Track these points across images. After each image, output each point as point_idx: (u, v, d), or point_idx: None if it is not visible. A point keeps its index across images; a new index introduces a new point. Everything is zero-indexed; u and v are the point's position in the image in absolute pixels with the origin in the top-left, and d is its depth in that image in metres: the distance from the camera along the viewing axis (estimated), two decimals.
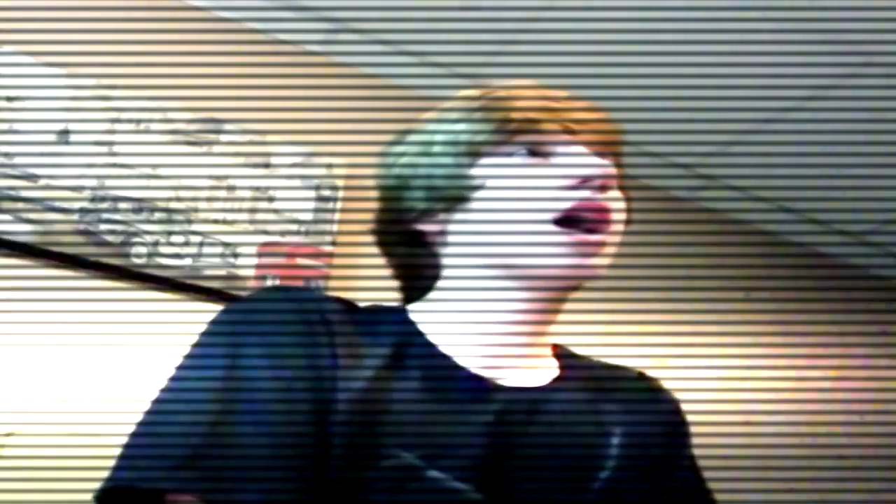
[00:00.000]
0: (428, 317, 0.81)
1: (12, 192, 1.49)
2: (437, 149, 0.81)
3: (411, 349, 0.77)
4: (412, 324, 0.80)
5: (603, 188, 0.77)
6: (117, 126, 1.62)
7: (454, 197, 0.79)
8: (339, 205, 1.76)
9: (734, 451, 2.10)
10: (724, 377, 2.17)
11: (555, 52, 1.86)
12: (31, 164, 1.52)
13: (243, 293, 1.63)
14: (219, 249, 1.64)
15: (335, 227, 1.74)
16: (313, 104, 1.79)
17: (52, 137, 1.56)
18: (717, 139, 2.11)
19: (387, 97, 1.95)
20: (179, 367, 0.72)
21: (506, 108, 0.80)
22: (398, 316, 0.82)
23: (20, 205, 1.49)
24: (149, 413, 0.70)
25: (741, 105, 1.97)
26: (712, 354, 2.18)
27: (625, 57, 1.85)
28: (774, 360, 2.31)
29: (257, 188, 1.72)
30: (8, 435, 1.31)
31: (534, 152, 0.78)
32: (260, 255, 1.67)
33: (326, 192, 1.77)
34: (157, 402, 0.70)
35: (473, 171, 0.79)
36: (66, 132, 1.57)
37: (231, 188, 1.69)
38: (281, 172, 1.75)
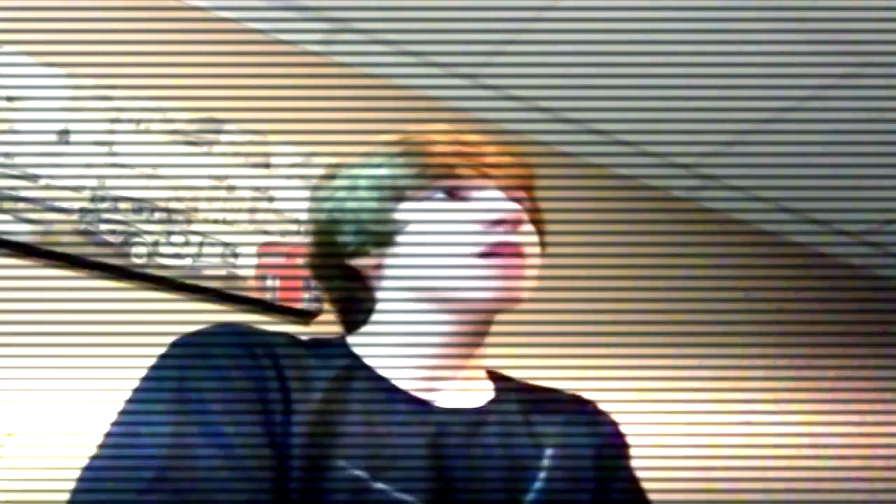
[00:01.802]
0: (367, 346, 0.87)
1: (12, 192, 1.49)
2: (361, 192, 0.88)
3: (355, 376, 0.82)
4: (353, 353, 0.86)
5: (515, 227, 0.84)
6: (117, 126, 1.62)
7: (382, 236, 0.86)
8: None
9: (733, 450, 2.10)
10: (723, 377, 2.17)
11: (555, 52, 1.86)
12: (31, 164, 1.52)
13: (243, 293, 1.63)
14: (219, 249, 1.64)
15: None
16: (313, 104, 1.79)
17: (52, 137, 1.56)
18: (717, 139, 2.11)
19: (387, 97, 1.95)
20: (131, 400, 0.74)
21: (424, 153, 0.87)
22: (340, 346, 0.88)
23: (20, 205, 1.49)
24: (103, 446, 0.71)
25: (741, 105, 1.97)
26: (710, 355, 2.18)
27: (625, 57, 1.85)
28: (773, 359, 2.31)
29: (257, 188, 1.72)
30: (8, 435, 1.31)
31: (451, 195, 0.86)
32: (260, 255, 1.67)
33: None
34: (110, 435, 0.72)
35: (397, 213, 0.86)
36: (66, 132, 1.57)
37: (231, 188, 1.69)
38: (281, 172, 1.75)
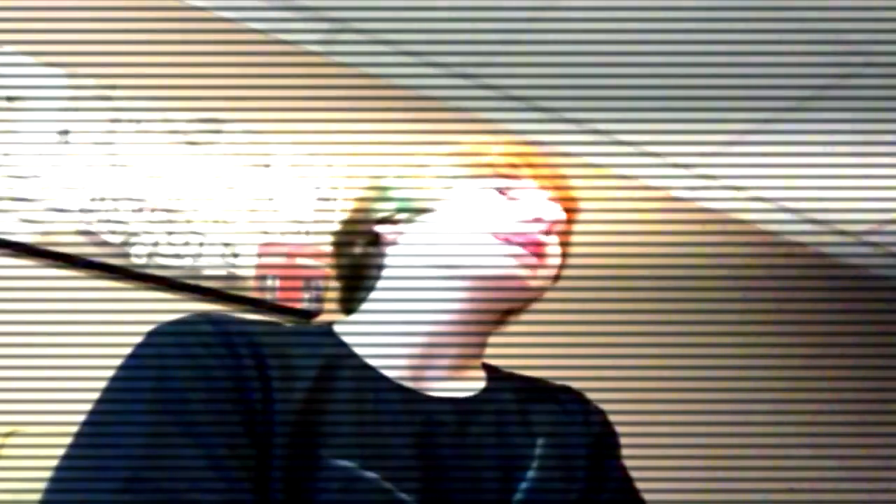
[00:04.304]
0: (355, 332, 0.87)
1: (12, 192, 1.50)
2: (424, 171, 0.91)
3: (341, 364, 0.82)
4: (340, 340, 0.86)
5: (548, 232, 0.86)
6: (117, 126, 1.62)
7: (418, 210, 0.88)
8: (339, 205, 1.76)
9: (732, 450, 2.10)
10: (722, 377, 2.17)
11: (555, 51, 1.86)
12: (31, 164, 1.52)
13: (243, 293, 1.63)
14: (219, 249, 1.64)
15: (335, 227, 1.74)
16: (313, 104, 1.79)
17: (52, 137, 1.56)
18: (717, 139, 2.11)
19: (387, 97, 1.95)
20: (105, 398, 0.74)
21: (489, 152, 0.90)
22: (326, 333, 0.87)
23: (20, 205, 1.50)
24: (78, 445, 0.71)
25: (741, 105, 1.97)
26: (710, 354, 2.18)
27: (625, 57, 1.85)
28: (773, 360, 2.31)
29: (257, 188, 1.72)
30: (8, 435, 1.31)
31: (503, 191, 0.88)
32: (260, 255, 1.67)
33: (326, 192, 1.77)
34: (85, 434, 0.71)
35: (445, 192, 0.88)
36: (66, 132, 1.57)
37: (231, 188, 1.69)
38: (281, 172, 1.75)
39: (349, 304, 0.94)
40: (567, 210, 0.91)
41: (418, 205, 0.88)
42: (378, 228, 0.90)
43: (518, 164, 0.89)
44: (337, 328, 0.89)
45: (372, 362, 0.84)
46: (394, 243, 0.89)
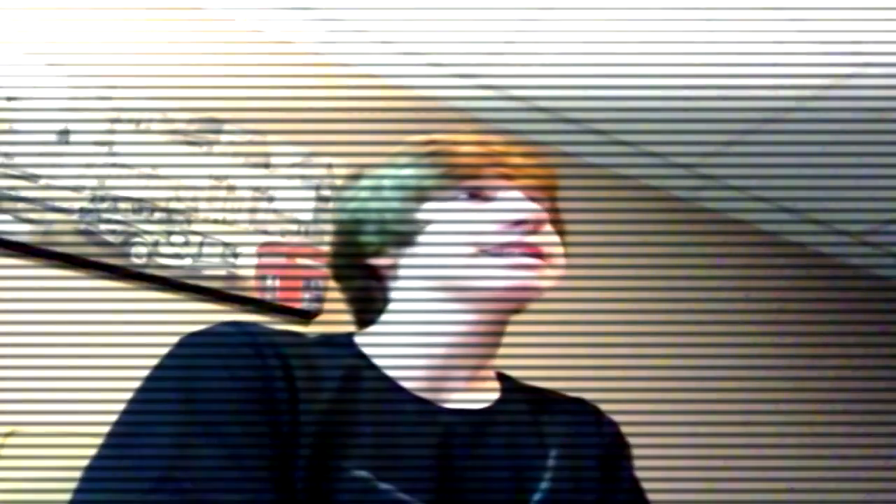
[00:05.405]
0: (376, 346, 0.87)
1: (12, 192, 1.49)
2: (386, 192, 0.89)
3: (362, 376, 0.82)
4: (360, 352, 0.86)
5: (534, 230, 0.85)
6: (117, 126, 1.62)
7: (403, 236, 0.87)
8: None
9: (733, 451, 2.10)
10: (723, 377, 2.17)
11: (555, 52, 1.86)
12: (31, 164, 1.52)
13: (243, 293, 1.63)
14: (219, 249, 1.64)
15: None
16: (313, 104, 1.79)
17: (52, 137, 1.56)
18: (717, 139, 2.11)
19: (387, 97, 1.95)
20: (136, 400, 0.74)
21: (450, 154, 0.87)
22: (347, 344, 0.88)
23: (20, 205, 1.49)
24: (108, 446, 0.71)
25: (741, 105, 1.97)
26: (711, 355, 2.18)
27: (625, 57, 1.85)
28: (773, 360, 2.31)
29: (257, 188, 1.72)
30: (8, 435, 1.31)
31: (474, 195, 0.86)
32: (260, 255, 1.67)
33: (326, 192, 1.77)
34: (116, 434, 0.72)
35: (420, 213, 0.86)
36: (66, 132, 1.57)
37: (231, 188, 1.69)
38: (281, 172, 1.75)
39: (365, 322, 0.95)
40: (547, 193, 0.90)
41: (403, 229, 0.87)
42: (371, 262, 0.91)
43: (481, 163, 0.87)
44: (357, 339, 0.89)
45: (390, 374, 0.84)
46: (394, 271, 0.90)
